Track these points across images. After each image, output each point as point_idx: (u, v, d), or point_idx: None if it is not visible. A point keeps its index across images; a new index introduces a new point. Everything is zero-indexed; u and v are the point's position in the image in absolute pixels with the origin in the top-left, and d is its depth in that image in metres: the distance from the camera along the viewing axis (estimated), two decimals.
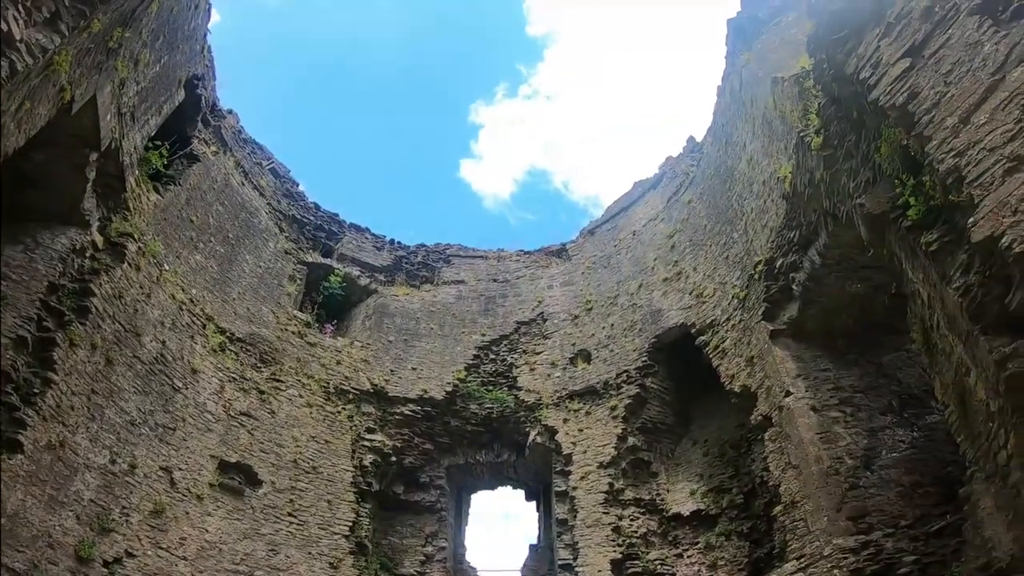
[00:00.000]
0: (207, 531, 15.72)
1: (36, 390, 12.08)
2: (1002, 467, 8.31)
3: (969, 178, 7.24)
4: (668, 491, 18.54)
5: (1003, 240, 6.77)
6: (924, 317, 9.93)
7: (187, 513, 15.39)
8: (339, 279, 22.48)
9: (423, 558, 20.37)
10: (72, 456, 12.93)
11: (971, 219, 7.15)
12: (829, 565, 12.69)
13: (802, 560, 13.37)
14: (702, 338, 17.91)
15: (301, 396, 18.72)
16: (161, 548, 14.66)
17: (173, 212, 16.83)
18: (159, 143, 16.11)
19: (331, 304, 22.38)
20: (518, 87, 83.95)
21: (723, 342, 17.21)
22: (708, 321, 17.87)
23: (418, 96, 76.12)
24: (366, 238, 24.17)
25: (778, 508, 14.44)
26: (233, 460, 16.70)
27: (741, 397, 16.26)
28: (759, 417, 15.46)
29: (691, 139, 22.11)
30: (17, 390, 11.75)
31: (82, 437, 13.25)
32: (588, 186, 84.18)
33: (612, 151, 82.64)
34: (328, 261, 22.54)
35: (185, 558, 15.07)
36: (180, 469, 15.49)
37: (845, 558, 12.43)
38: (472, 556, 21.97)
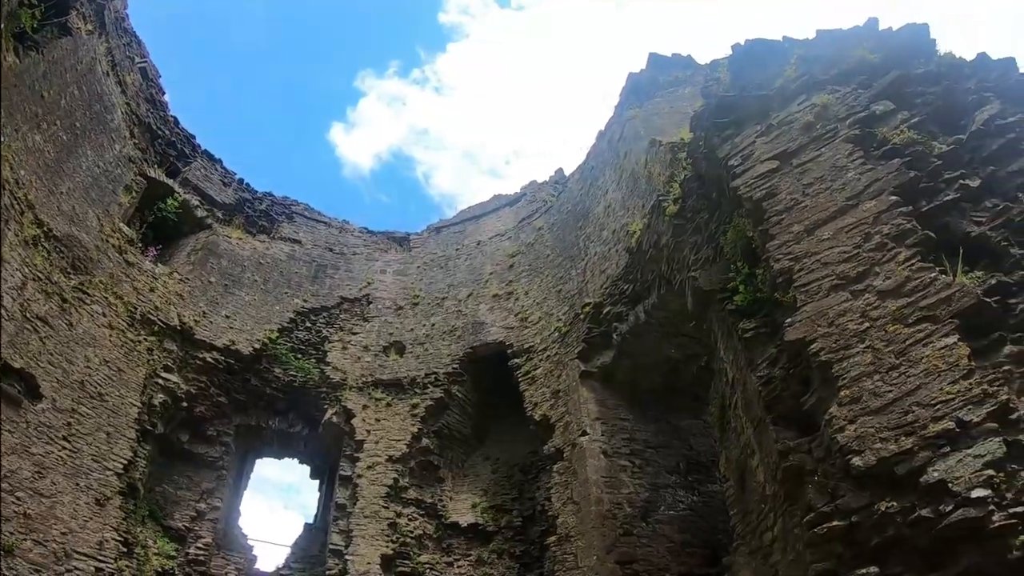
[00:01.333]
0: None
1: None
2: (765, 546, 9.07)
3: (798, 283, 7.95)
4: (451, 499, 18.88)
5: (813, 346, 7.47)
6: (725, 395, 10.69)
7: None
8: (177, 204, 20.92)
9: (194, 514, 19.47)
10: None
11: (789, 319, 7.85)
12: None
13: None
14: (516, 360, 18.40)
15: (104, 315, 17.28)
16: None
17: (26, 81, 14.94)
18: (36, 2, 14.32)
19: (162, 228, 20.78)
20: (411, 69, 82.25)
21: (535, 369, 17.77)
22: (526, 346, 18.38)
23: (312, 50, 73.69)
24: (216, 170, 22.84)
25: (552, 538, 15.14)
26: (17, 366, 15.24)
27: (540, 426, 16.88)
28: (552, 449, 16.16)
29: (560, 171, 22.70)
30: None
31: None
32: (448, 185, 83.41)
33: (482, 159, 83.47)
34: (171, 182, 20.96)
35: None
36: None
37: None
38: (245, 523, 21.36)
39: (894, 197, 7.87)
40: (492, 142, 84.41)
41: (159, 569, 17.62)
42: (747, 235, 9.40)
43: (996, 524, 5.92)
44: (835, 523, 6.71)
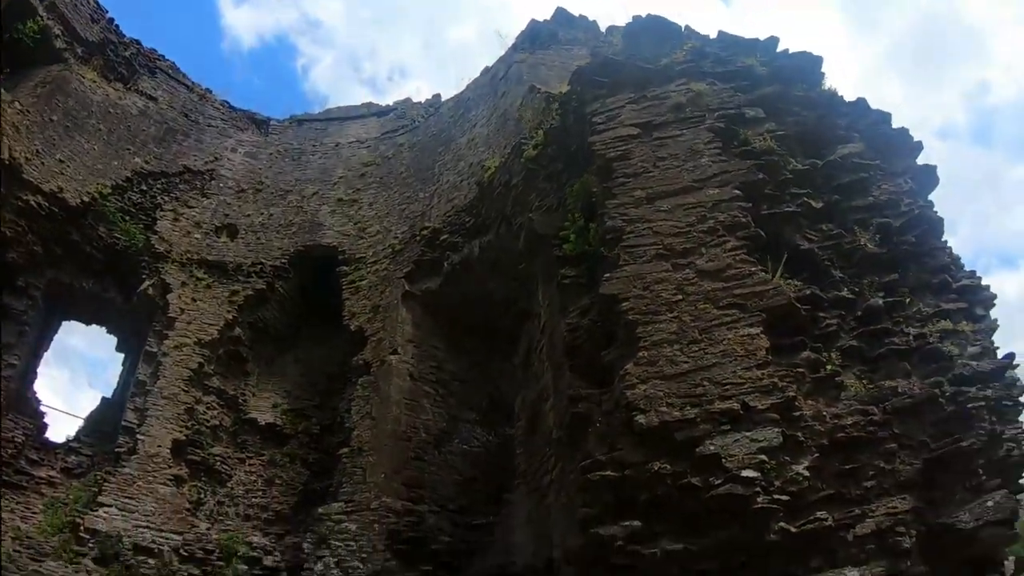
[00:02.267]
0: None
1: None
2: (543, 487, 9.46)
3: (626, 243, 8.22)
4: (254, 395, 18.45)
5: (624, 304, 7.78)
6: (533, 338, 11.01)
7: None
8: (36, 29, 18.50)
9: None
10: None
11: (608, 274, 8.11)
12: (372, 517, 13.69)
13: (350, 505, 14.22)
14: (344, 268, 18.05)
15: None
16: None
17: None
18: None
19: (13, 50, 18.89)
20: None
21: (361, 280, 17.53)
22: (358, 256, 18.07)
23: None
24: (87, 3, 20.59)
25: (345, 450, 15.07)
26: None
27: (354, 337, 16.74)
28: (361, 361, 16.05)
29: (437, 96, 22.10)
30: None
31: None
32: (324, 84, 79.86)
33: (365, 67, 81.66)
34: (36, 4, 18.74)
35: None
36: None
37: (388, 516, 13.56)
38: (41, 389, 20.24)
39: (737, 191, 8.28)
40: (381, 54, 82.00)
41: None
42: (591, 191, 9.64)
43: (759, 505, 6.37)
44: (608, 472, 6.98)
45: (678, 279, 7.80)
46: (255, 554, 15.96)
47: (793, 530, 6.41)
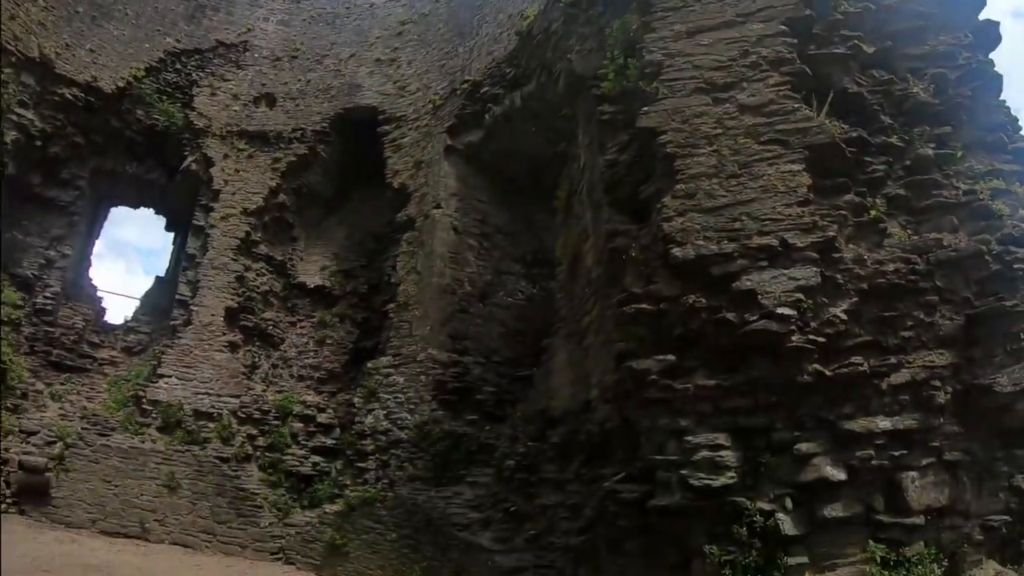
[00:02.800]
0: None
1: None
2: (582, 330, 9.44)
3: (665, 77, 7.92)
4: (301, 259, 18.82)
5: (663, 137, 7.59)
6: (573, 180, 10.81)
7: None
8: None
9: (43, 261, 18.68)
10: None
11: (647, 108, 7.83)
12: (419, 369, 14.06)
13: (397, 358, 14.62)
14: (386, 127, 17.86)
15: None
16: None
17: None
18: None
19: None
20: None
21: (403, 138, 17.38)
22: (399, 114, 17.83)
23: None
24: None
25: (392, 305, 15.39)
26: None
27: (397, 194, 16.78)
28: (405, 217, 16.20)
29: None
30: None
31: None
32: None
33: None
34: None
35: None
36: None
37: (434, 368, 13.89)
38: (98, 276, 20.71)
39: (783, 27, 7.82)
40: None
41: (4, 318, 17.12)
42: (631, 29, 9.18)
43: (794, 344, 6.27)
44: (644, 306, 6.94)
45: (718, 113, 7.53)
46: (309, 412, 16.61)
47: (827, 373, 6.40)
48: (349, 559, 13.38)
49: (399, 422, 14.24)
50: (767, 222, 6.81)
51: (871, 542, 6.18)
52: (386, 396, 14.61)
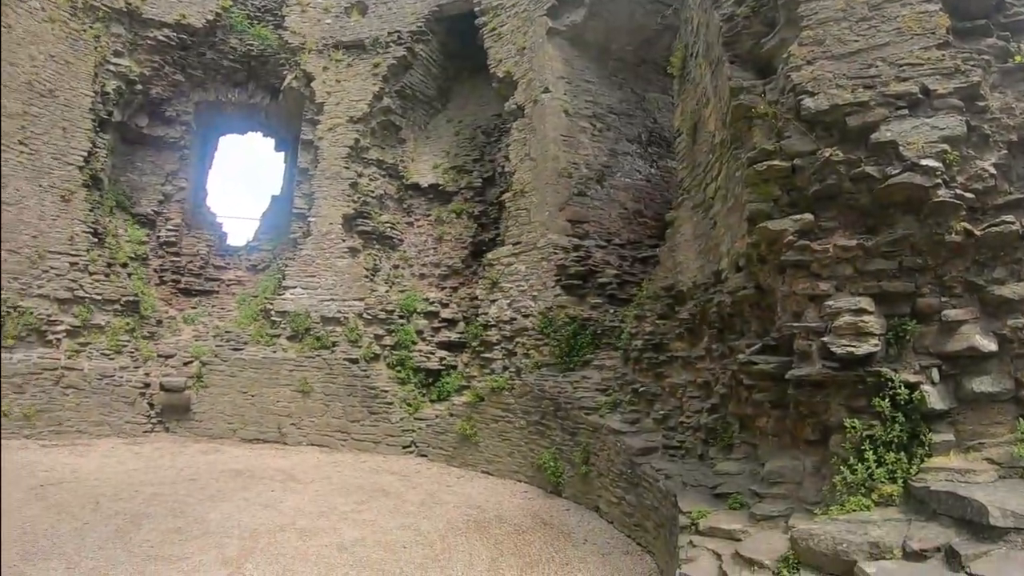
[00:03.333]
0: None
1: None
2: (708, 198, 9.08)
3: None
4: (412, 160, 18.95)
5: None
6: (688, 44, 10.32)
7: None
8: None
9: (162, 197, 19.79)
10: None
11: None
12: (539, 256, 13.99)
13: (517, 246, 14.57)
14: (483, 18, 17.34)
15: (43, 9, 16.08)
16: None
17: None
18: None
19: None
20: None
21: (502, 26, 16.86)
22: (495, 3, 17.19)
23: None
24: None
25: (508, 194, 15.31)
26: None
27: (503, 83, 16.40)
28: (514, 105, 15.81)
29: None
30: None
31: None
32: None
33: None
34: None
35: None
36: None
37: (555, 253, 13.76)
38: (213, 201, 21.40)
39: None
40: None
41: (132, 254, 18.18)
42: None
43: (939, 199, 5.86)
44: (776, 163, 6.61)
45: None
46: (433, 308, 17.03)
47: (976, 232, 5.89)
48: (479, 448, 13.81)
49: (523, 310, 14.34)
50: (905, 67, 6.25)
51: (1021, 421, 5.72)
52: (508, 285, 14.75)
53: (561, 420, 11.93)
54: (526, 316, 14.27)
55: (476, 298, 16.11)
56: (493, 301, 15.02)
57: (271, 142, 22.69)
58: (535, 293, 14.16)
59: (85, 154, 16.56)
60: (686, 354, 10.03)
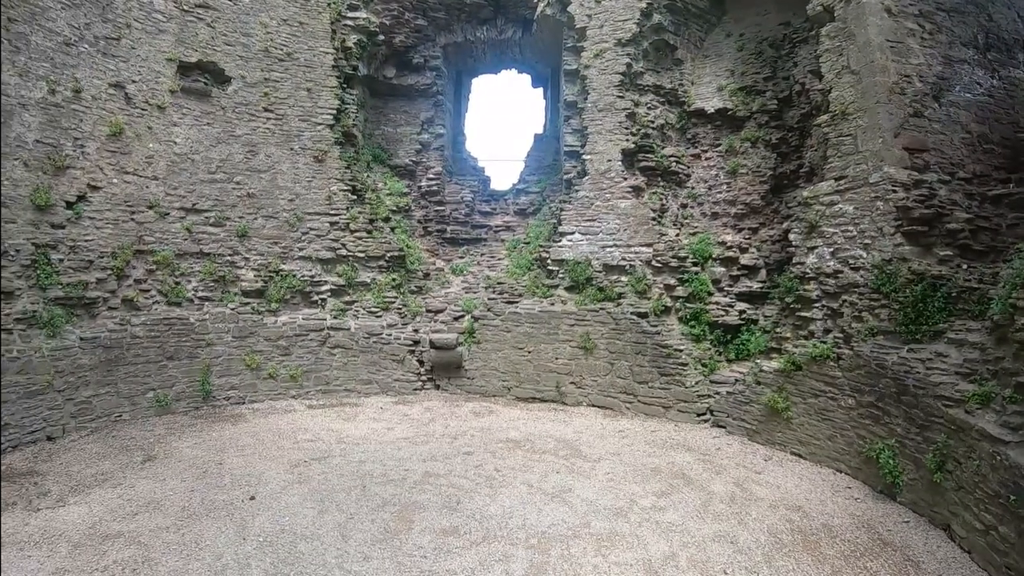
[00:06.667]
0: (175, 143, 14.46)
1: None
2: None
3: None
4: (692, 83, 16.44)
5: None
6: None
7: (150, 128, 14.04)
8: None
9: (419, 147, 19.42)
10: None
11: None
12: (873, 194, 11.15)
13: (842, 181, 11.81)
14: None
15: None
16: (127, 173, 13.57)
17: None
18: None
19: None
20: None
21: None
22: None
23: None
24: None
25: (823, 118, 12.34)
26: (193, 60, 14.73)
27: None
28: (819, 8, 12.82)
29: None
30: None
31: (8, 75, 11.45)
32: None
33: None
34: None
35: (155, 178, 14.10)
36: (133, 81, 13.76)
37: (894, 191, 10.83)
38: (474, 147, 20.83)
39: None
40: None
41: (393, 207, 17.90)
42: None
43: None
44: None
45: None
46: (730, 253, 14.95)
47: None
48: (791, 426, 11.77)
49: (851, 262, 11.56)
50: None
51: None
52: (831, 230, 11.95)
53: (907, 408, 9.48)
54: (856, 269, 11.49)
55: (780, 241, 13.89)
56: (811, 248, 12.32)
57: (527, 78, 22.11)
58: (867, 241, 11.29)
59: (334, 112, 16.37)
60: None
